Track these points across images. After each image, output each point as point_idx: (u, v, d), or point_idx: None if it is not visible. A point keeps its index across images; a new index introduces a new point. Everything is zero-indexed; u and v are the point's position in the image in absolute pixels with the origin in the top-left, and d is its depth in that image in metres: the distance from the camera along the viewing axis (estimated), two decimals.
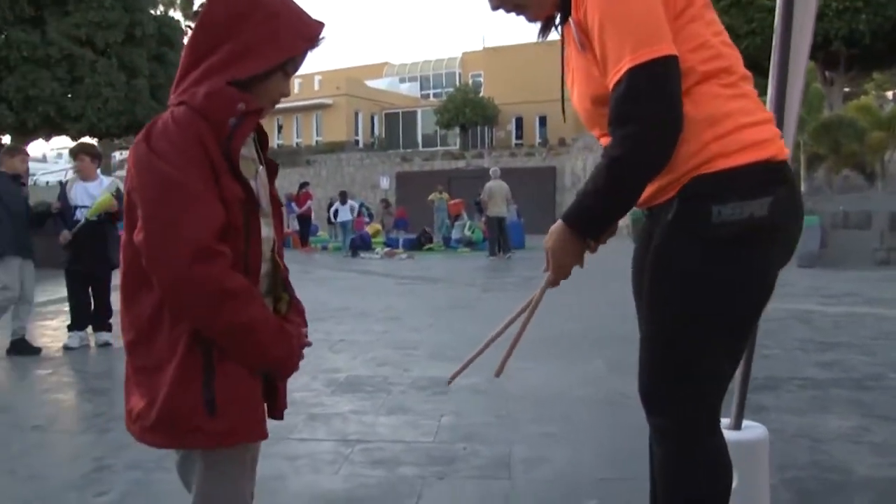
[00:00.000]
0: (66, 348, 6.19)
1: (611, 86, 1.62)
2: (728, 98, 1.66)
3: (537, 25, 1.97)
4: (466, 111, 39.45)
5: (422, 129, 42.28)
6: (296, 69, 1.61)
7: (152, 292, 1.48)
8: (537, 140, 40.17)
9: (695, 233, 1.64)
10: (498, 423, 3.92)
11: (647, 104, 1.57)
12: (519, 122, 42.08)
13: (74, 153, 6.56)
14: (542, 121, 41.16)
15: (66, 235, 6.20)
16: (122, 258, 1.55)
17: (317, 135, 44.04)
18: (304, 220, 21.76)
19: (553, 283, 1.84)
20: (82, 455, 3.46)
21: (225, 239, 1.45)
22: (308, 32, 1.57)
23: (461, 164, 34.43)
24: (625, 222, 25.74)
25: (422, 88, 49.54)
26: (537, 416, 4.08)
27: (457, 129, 41.16)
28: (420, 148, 40.79)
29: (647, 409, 1.82)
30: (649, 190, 1.71)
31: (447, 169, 33.47)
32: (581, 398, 4.42)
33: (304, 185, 22.72)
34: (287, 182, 29.36)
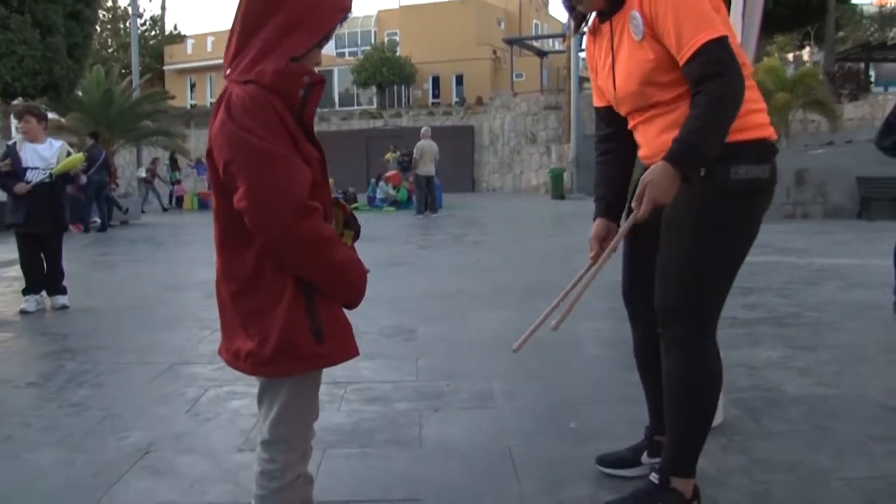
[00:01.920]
0: (24, 312, 6.15)
1: (688, 55, 2.09)
2: (746, 88, 2.15)
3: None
4: (383, 70, 39.23)
5: (338, 87, 41.86)
6: (328, 40, 1.85)
7: (250, 249, 1.73)
8: (454, 99, 40.38)
9: (718, 185, 2.19)
10: (471, 363, 4.29)
11: (728, 63, 2.06)
12: (436, 81, 42.12)
13: (20, 114, 6.50)
14: (459, 79, 41.33)
15: (23, 186, 6.12)
16: (218, 223, 1.79)
17: None
18: None
19: (643, 216, 2.15)
20: (92, 406, 3.67)
21: (314, 195, 1.72)
22: (343, 3, 1.79)
23: (379, 123, 34.39)
24: (542, 181, 26.40)
25: (337, 47, 48.91)
26: (505, 357, 4.46)
27: (373, 89, 40.94)
28: (337, 107, 40.40)
29: (665, 322, 2.31)
30: None
31: (365, 128, 33.42)
32: (542, 341, 4.81)
33: None
34: (201, 144, 28.75)
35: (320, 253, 1.72)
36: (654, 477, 2.36)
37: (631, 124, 2.45)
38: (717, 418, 2.84)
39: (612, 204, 2.59)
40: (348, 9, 1.80)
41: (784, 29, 30.00)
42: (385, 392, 3.74)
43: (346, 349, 1.82)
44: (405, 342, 4.83)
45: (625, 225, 2.26)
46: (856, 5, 33.72)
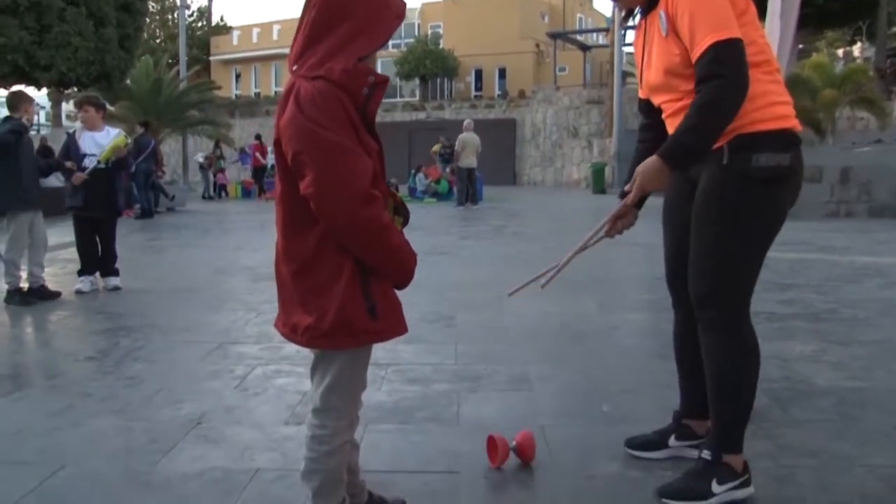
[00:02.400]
0: (79, 292, 6.42)
1: (697, 54, 2.24)
2: (766, 82, 2.34)
3: None
4: (427, 62, 39.42)
5: None
6: (386, 43, 2.01)
7: (312, 231, 1.88)
8: (497, 92, 40.39)
9: (741, 173, 2.32)
10: (508, 349, 4.42)
11: (730, 66, 2.20)
12: (479, 74, 42.20)
13: (79, 104, 6.77)
14: (502, 73, 41.35)
15: (80, 176, 6.38)
16: (281, 206, 1.94)
17: (276, 85, 43.64)
18: (261, 170, 22.10)
19: (632, 200, 2.45)
20: (146, 379, 3.88)
21: (373, 184, 1.87)
22: (399, 10, 1.94)
23: (422, 115, 34.56)
24: (583, 175, 26.35)
25: None
26: (542, 344, 4.61)
27: (416, 81, 41.13)
28: None
29: (699, 306, 2.45)
30: None
31: (408, 120, 33.60)
32: (578, 331, 4.94)
33: (258, 136, 22.98)
34: (246, 133, 29.26)
35: (379, 238, 1.86)
36: (706, 454, 2.46)
37: (664, 116, 2.58)
38: None
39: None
40: (402, 16, 1.96)
41: (835, 24, 29.49)
42: (425, 374, 3.89)
43: (397, 326, 1.96)
44: (445, 328, 4.97)
45: (616, 206, 2.53)
46: None
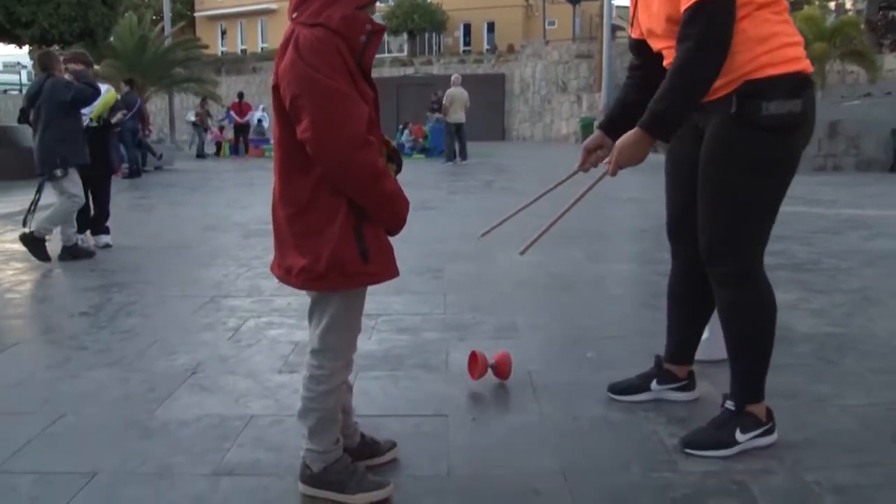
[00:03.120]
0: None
1: (683, 9, 2.21)
2: (776, 23, 2.26)
3: None
4: (415, 17, 38.96)
5: None
6: None
7: (308, 175, 1.93)
8: (485, 47, 40.03)
9: (750, 121, 2.26)
10: (496, 299, 4.50)
11: (703, 26, 2.17)
12: (467, 29, 41.74)
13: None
14: (491, 27, 40.92)
15: None
16: (278, 151, 1.99)
17: (262, 42, 43.09)
18: (245, 128, 22.04)
19: (612, 173, 2.45)
20: (141, 332, 3.94)
21: (368, 130, 1.91)
22: None
23: (409, 71, 34.28)
24: (572, 130, 26.30)
25: None
26: (530, 294, 4.69)
27: (404, 36, 40.69)
28: None
29: (711, 261, 2.44)
30: None
31: (396, 76, 33.32)
32: (566, 281, 5.03)
33: (241, 94, 22.85)
34: (232, 91, 28.93)
35: (374, 182, 1.92)
36: (729, 404, 2.48)
37: (666, 62, 2.51)
38: (721, 354, 3.01)
39: (615, 120, 2.70)
40: None
41: None
42: (414, 323, 3.97)
43: (388, 269, 2.04)
44: (433, 279, 5.05)
45: (592, 181, 2.50)
46: None
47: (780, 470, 2.31)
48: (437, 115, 19.57)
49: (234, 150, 22.31)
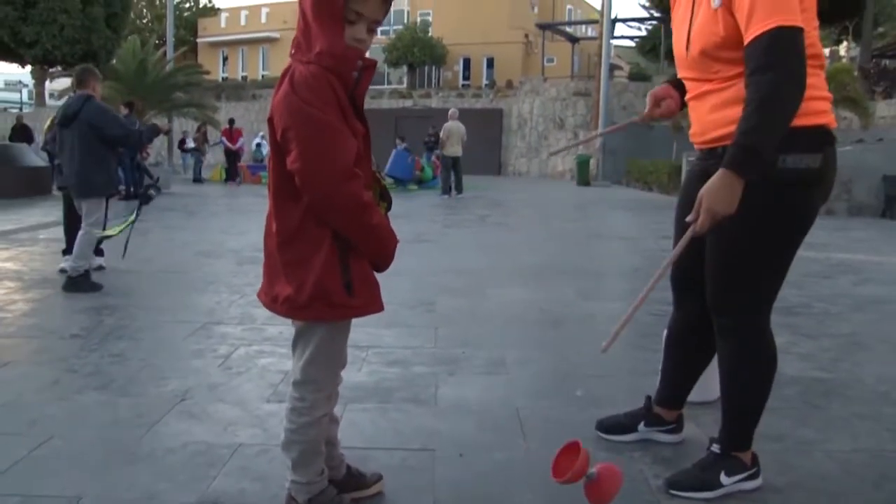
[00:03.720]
0: (63, 271, 6.37)
1: (753, 35, 2.07)
2: (811, 76, 2.11)
3: None
4: (415, 50, 39.36)
5: None
6: (378, 23, 2.04)
7: (297, 205, 1.96)
8: (484, 81, 40.40)
9: (767, 174, 2.14)
10: (487, 334, 4.52)
11: (789, 58, 2.04)
12: (467, 63, 42.18)
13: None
14: (490, 62, 41.36)
15: None
16: (272, 182, 2.03)
17: (263, 69, 43.43)
18: (235, 155, 22.16)
19: (701, 229, 2.13)
20: (131, 357, 3.94)
21: (356, 165, 1.95)
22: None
23: (408, 103, 34.54)
24: (568, 167, 26.47)
25: None
26: (521, 329, 4.71)
27: (404, 68, 41.06)
28: None
29: (717, 312, 2.43)
30: (718, 132, 2.28)
31: (395, 108, 33.56)
32: (556, 317, 5.05)
33: (231, 121, 23.06)
34: (232, 116, 29.06)
35: (359, 214, 1.95)
36: (716, 447, 2.49)
37: (687, 97, 2.51)
38: (712, 395, 3.03)
39: (678, 84, 2.61)
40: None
41: (821, 23, 29.64)
42: (404, 356, 3.98)
43: (373, 303, 2.05)
44: (426, 313, 5.06)
45: (683, 239, 2.20)
46: (894, 1, 33.16)
47: None
48: (435, 152, 19.69)
49: (231, 177, 22.41)
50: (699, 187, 2.19)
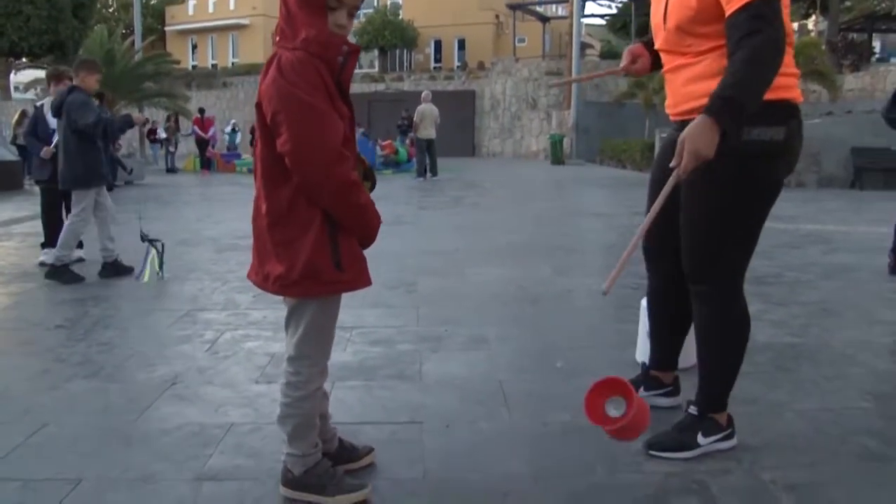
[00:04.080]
0: (43, 265, 6.38)
1: (735, 7, 2.20)
2: None
3: None
4: (386, 33, 39.22)
5: None
6: (357, 9, 2.13)
7: (287, 187, 2.04)
8: (456, 63, 40.35)
9: (731, 146, 2.22)
10: (468, 312, 4.61)
11: (773, 24, 2.17)
12: (438, 45, 42.07)
13: (57, 77, 6.64)
14: (461, 44, 41.28)
15: (49, 150, 6.35)
16: (260, 165, 2.10)
17: (233, 56, 43.02)
18: (205, 143, 22.06)
19: (685, 171, 2.21)
20: (118, 345, 3.99)
21: (343, 146, 2.03)
22: None
23: (381, 87, 34.44)
24: (542, 146, 26.59)
25: None
26: (500, 307, 4.80)
27: (375, 52, 40.89)
28: None
29: (692, 280, 2.55)
30: (690, 105, 2.40)
31: (367, 92, 33.44)
32: (535, 294, 5.16)
33: (202, 110, 22.93)
34: (204, 105, 28.85)
35: (348, 194, 2.04)
36: (692, 409, 2.62)
37: (663, 70, 2.63)
38: (689, 361, 3.15)
39: (650, 44, 2.76)
40: None
41: None
42: (388, 335, 4.06)
43: (361, 278, 2.15)
44: (407, 293, 5.15)
45: (668, 183, 2.27)
46: None
47: (738, 470, 2.44)
48: (409, 135, 19.75)
49: (205, 165, 22.30)
50: (669, 161, 2.30)
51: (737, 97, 2.14)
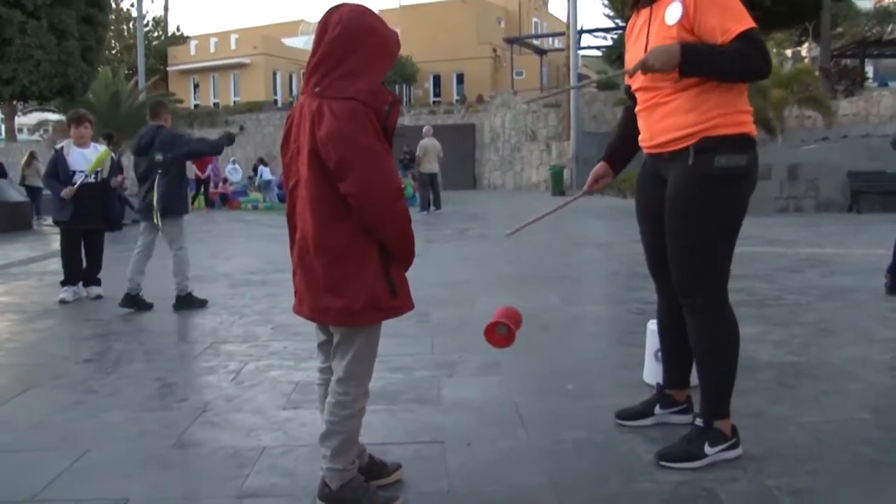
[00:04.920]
0: (63, 302, 6.56)
1: (736, 32, 2.52)
2: (737, 93, 2.68)
3: None
4: None
5: None
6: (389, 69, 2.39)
7: (345, 225, 2.24)
8: (455, 97, 40.85)
9: (705, 173, 2.65)
10: (479, 340, 4.72)
11: (763, 47, 2.58)
12: (437, 80, 42.64)
13: (80, 120, 6.86)
14: (460, 78, 41.84)
15: (69, 190, 6.52)
16: (315, 206, 2.27)
17: (235, 95, 43.55)
18: (206, 182, 22.34)
19: (633, 70, 2.67)
20: (147, 377, 4.16)
21: None
22: (398, 42, 2.36)
23: None
24: (542, 178, 26.86)
25: None
26: None
27: None
28: None
29: (683, 294, 2.80)
30: (665, 137, 2.71)
31: None
32: (544, 322, 5.33)
33: None
34: None
35: (406, 226, 2.29)
36: (699, 421, 2.81)
37: (637, 108, 2.90)
38: (695, 380, 3.31)
39: (616, 151, 3.18)
40: (398, 51, 2.37)
41: (781, 26, 30.37)
42: (406, 363, 4.23)
43: (409, 301, 2.39)
44: (421, 323, 5.32)
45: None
46: (851, 2, 34.04)
47: (744, 478, 2.61)
48: (411, 170, 20.03)
49: (211, 203, 22.51)
50: (652, 186, 2.90)
51: (707, 57, 2.54)
